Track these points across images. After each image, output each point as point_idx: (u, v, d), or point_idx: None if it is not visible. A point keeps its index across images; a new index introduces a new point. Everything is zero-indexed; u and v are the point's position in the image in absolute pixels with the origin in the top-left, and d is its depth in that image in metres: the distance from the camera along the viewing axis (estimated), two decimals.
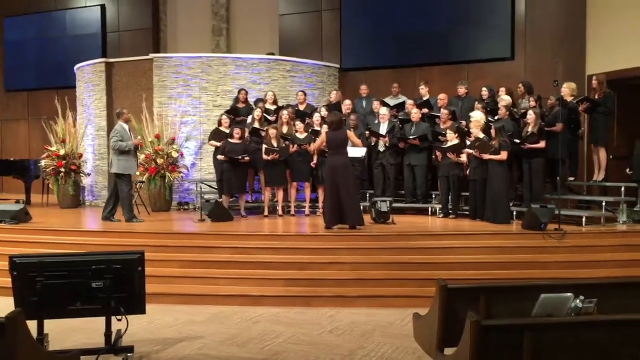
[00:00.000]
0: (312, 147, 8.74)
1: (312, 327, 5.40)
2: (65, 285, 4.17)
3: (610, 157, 9.09)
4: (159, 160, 10.20)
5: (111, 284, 4.24)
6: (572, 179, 9.08)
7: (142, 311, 4.52)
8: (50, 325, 4.43)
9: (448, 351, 3.66)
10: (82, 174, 11.33)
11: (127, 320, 4.32)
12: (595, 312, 3.71)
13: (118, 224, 8.43)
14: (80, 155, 11.35)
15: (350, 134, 8.11)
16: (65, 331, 5.09)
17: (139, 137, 8.88)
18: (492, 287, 3.76)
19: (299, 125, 9.25)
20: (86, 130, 11.69)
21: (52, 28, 15.39)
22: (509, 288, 3.79)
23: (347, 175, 7.65)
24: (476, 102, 9.47)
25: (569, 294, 3.67)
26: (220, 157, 9.00)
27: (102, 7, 14.97)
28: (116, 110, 9.34)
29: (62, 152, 11.05)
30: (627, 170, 8.10)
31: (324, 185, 9.18)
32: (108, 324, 4.37)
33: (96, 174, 11.50)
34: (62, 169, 10.94)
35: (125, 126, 8.71)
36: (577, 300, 3.67)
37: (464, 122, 9.31)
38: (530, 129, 8.38)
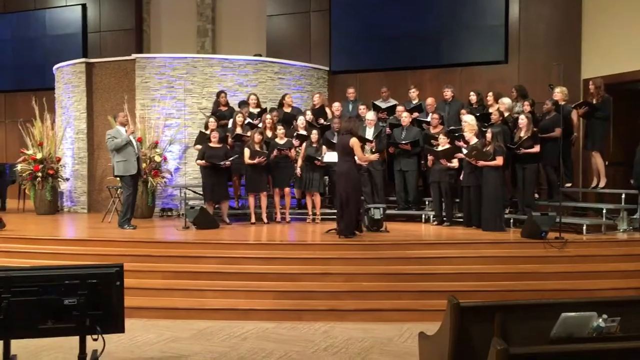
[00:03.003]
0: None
1: (305, 345, 5.03)
2: (35, 303, 3.76)
3: (606, 163, 8.85)
4: (142, 165, 9.75)
5: (86, 301, 3.83)
6: (569, 185, 8.83)
7: (121, 330, 4.10)
8: (18, 344, 4.02)
9: None
10: (60, 179, 10.88)
11: (104, 341, 3.92)
12: (618, 331, 3.42)
13: (102, 231, 8.07)
14: (59, 159, 10.88)
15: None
16: (35, 351, 4.68)
17: (131, 127, 8.48)
18: (507, 305, 3.42)
19: (280, 130, 8.89)
20: (65, 133, 11.24)
21: (30, 28, 14.89)
22: (526, 306, 3.45)
23: (346, 183, 7.31)
24: (462, 107, 9.22)
25: (592, 313, 3.36)
26: (199, 162, 8.62)
27: (83, 6, 14.52)
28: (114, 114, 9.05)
29: (39, 155, 10.59)
30: (632, 181, 7.89)
31: (308, 192, 8.94)
32: (82, 345, 3.96)
33: (75, 179, 11.04)
34: (39, 174, 10.48)
35: (121, 129, 8.34)
36: (600, 320, 3.38)
37: (452, 127, 9.03)
38: (523, 134, 8.12)
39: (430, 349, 3.67)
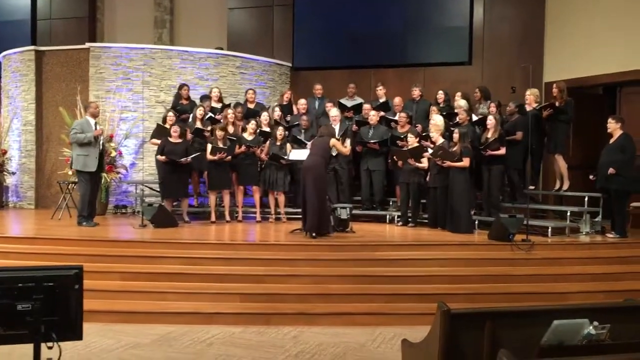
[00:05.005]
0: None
1: (275, 351, 4.78)
2: None
3: (567, 166, 8.92)
4: (104, 161, 9.27)
5: (41, 306, 3.48)
6: (532, 187, 8.85)
7: (79, 337, 3.75)
8: None
9: None
10: (5, 173, 10.30)
11: (60, 349, 3.58)
12: (608, 338, 3.33)
13: (51, 229, 7.64)
14: (5, 152, 10.31)
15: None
16: None
17: (100, 127, 8.03)
18: (498, 311, 3.28)
19: (250, 126, 8.61)
20: (12, 124, 10.64)
21: None
22: (517, 313, 3.33)
23: (313, 177, 7.12)
24: (431, 106, 9.16)
25: (584, 320, 3.26)
26: (160, 157, 8.24)
27: None
28: (85, 102, 8.75)
29: None
30: (591, 176, 7.94)
31: (272, 190, 8.73)
32: (37, 354, 3.60)
33: (22, 173, 10.46)
34: None
35: (91, 120, 7.90)
36: (591, 327, 3.28)
37: (419, 126, 8.95)
38: (490, 135, 8.09)
39: (415, 356, 3.49)
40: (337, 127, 8.83)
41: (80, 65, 10.20)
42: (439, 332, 3.16)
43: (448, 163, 7.78)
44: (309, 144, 8.07)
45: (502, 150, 8.00)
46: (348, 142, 8.36)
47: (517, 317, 3.28)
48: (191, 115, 9.03)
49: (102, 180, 9.30)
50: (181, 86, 9.51)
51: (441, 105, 9.20)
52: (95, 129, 7.88)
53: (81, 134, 7.71)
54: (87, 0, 13.60)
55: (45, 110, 10.37)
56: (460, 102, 8.85)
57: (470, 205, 8.10)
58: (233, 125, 8.82)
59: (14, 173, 10.44)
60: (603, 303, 4.29)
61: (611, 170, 7.33)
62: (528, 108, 8.48)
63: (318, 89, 10.04)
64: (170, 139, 8.27)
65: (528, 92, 8.45)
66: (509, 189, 8.71)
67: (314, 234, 7.08)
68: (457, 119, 8.58)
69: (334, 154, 8.34)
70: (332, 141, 7.48)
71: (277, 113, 9.23)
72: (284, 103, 9.69)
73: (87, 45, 10.34)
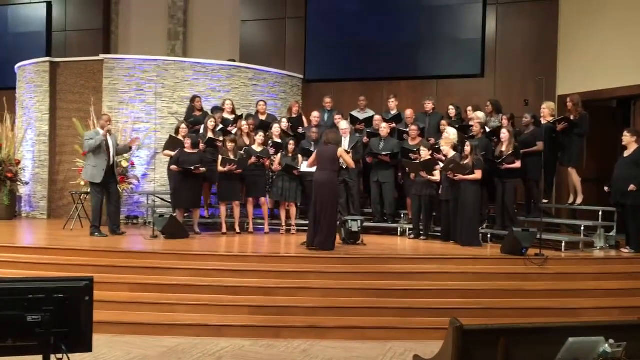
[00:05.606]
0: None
1: None
2: None
3: (581, 179, 8.83)
4: (116, 171, 9.29)
5: (51, 318, 3.47)
6: (546, 201, 8.77)
7: (88, 349, 3.74)
8: None
9: None
10: (19, 183, 10.34)
11: None
12: (624, 357, 3.27)
13: (63, 239, 7.65)
14: (18, 162, 10.36)
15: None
16: None
17: (107, 127, 8.12)
18: (511, 328, 3.23)
19: (259, 137, 8.61)
20: (26, 135, 10.72)
21: None
22: (531, 330, 3.27)
23: (328, 193, 7.10)
24: (442, 120, 9.12)
25: (599, 338, 3.20)
26: (173, 167, 8.28)
27: (49, 4, 13.95)
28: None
29: None
30: (605, 188, 7.83)
31: (283, 202, 8.66)
32: None
33: (35, 183, 10.52)
34: None
35: (100, 131, 8.01)
36: (607, 345, 3.22)
37: (432, 140, 8.92)
38: (504, 148, 8.02)
39: None
40: (347, 140, 8.83)
41: (94, 76, 10.28)
42: (451, 348, 3.11)
43: (460, 176, 7.72)
44: (315, 152, 7.98)
45: (518, 164, 7.92)
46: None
47: (531, 334, 3.23)
48: (202, 126, 9.05)
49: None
50: (193, 98, 9.56)
51: (452, 119, 9.17)
52: (106, 140, 7.94)
53: (91, 140, 7.89)
54: (101, 12, 13.76)
55: (59, 121, 10.45)
56: (478, 114, 8.80)
57: (481, 218, 8.04)
58: (248, 136, 8.84)
59: (27, 183, 10.51)
60: (619, 321, 4.21)
61: (632, 187, 7.22)
62: (543, 121, 8.42)
63: (327, 101, 10.03)
64: (185, 150, 8.31)
65: (544, 106, 8.40)
66: (526, 202, 8.64)
67: (319, 248, 7.02)
68: (472, 131, 8.53)
69: (344, 166, 8.35)
70: (340, 151, 7.39)
71: (285, 125, 9.21)
72: (293, 116, 9.69)
73: (101, 56, 10.42)
